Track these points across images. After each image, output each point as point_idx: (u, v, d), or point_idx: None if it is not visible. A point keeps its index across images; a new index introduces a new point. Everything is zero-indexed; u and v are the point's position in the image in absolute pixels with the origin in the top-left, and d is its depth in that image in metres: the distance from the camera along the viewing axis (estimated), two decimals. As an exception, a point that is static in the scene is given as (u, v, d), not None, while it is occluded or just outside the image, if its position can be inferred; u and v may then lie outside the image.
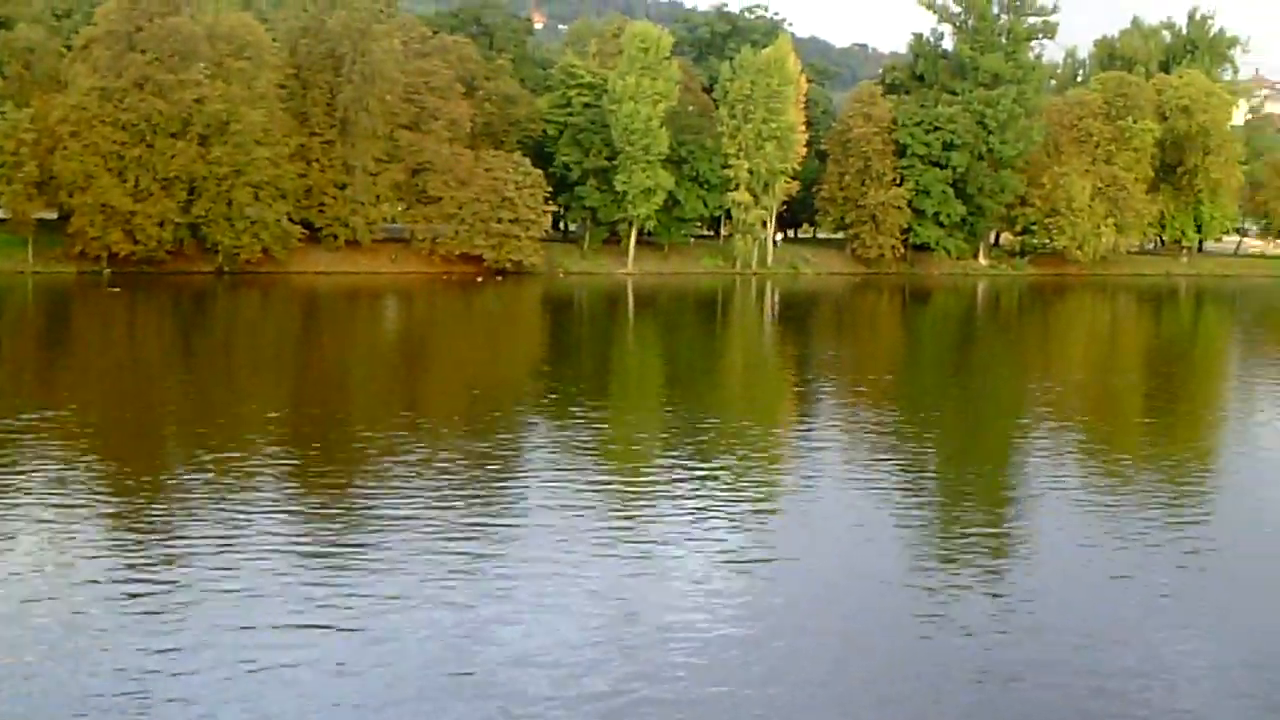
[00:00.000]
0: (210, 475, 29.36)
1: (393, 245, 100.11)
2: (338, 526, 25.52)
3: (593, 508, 27.60)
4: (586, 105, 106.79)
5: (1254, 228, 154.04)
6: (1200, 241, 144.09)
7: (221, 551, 23.35)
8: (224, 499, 27.08)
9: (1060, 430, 40.98)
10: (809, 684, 18.43)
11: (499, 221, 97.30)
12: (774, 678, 18.57)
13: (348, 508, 27.10)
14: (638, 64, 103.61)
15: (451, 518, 26.23)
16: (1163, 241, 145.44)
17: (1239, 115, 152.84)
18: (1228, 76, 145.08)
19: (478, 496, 28.50)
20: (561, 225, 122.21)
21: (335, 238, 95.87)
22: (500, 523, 26.20)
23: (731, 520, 27.12)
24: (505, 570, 22.98)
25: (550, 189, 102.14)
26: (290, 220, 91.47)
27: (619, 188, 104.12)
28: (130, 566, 22.57)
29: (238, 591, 21.22)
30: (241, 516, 25.72)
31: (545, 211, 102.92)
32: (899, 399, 46.44)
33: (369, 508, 27.08)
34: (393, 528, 25.35)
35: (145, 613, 20.29)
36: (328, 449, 33.59)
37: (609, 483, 30.72)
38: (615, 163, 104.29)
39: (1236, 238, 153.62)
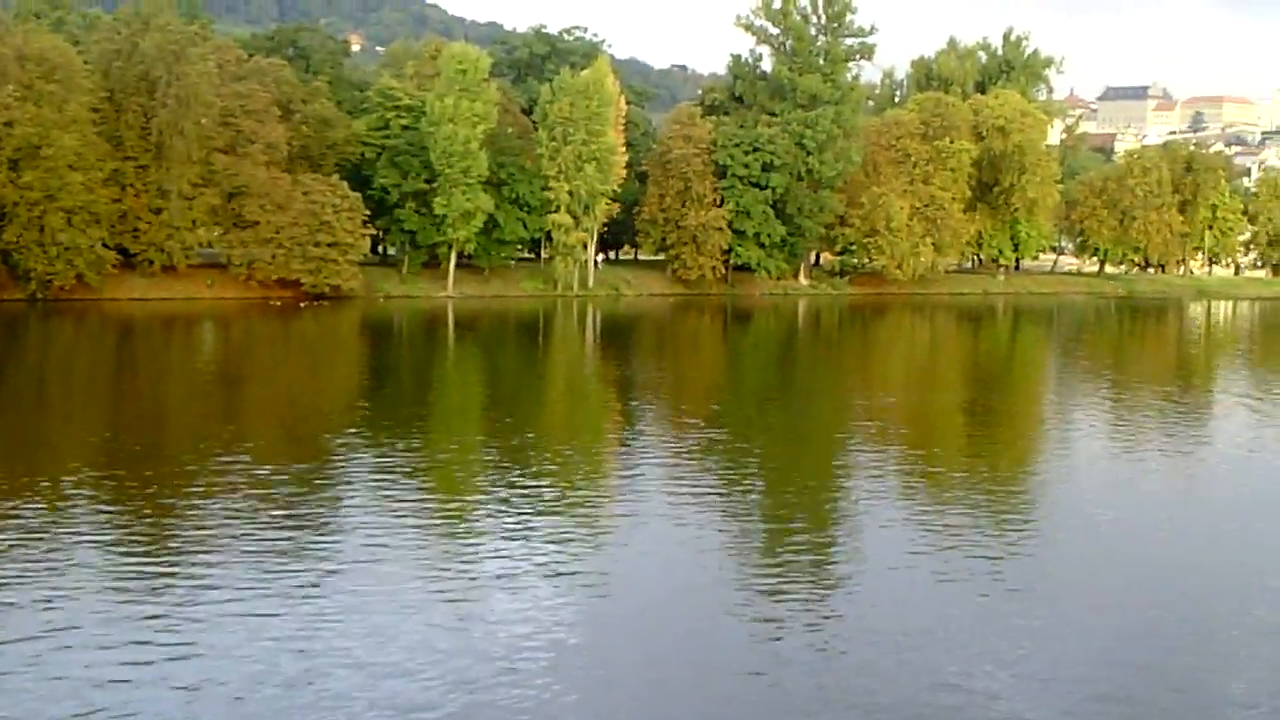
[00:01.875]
0: (23, 504, 29.67)
1: (209, 271, 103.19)
2: (159, 552, 26.24)
3: (416, 530, 28.82)
4: (405, 127, 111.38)
5: (1069, 246, 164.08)
6: (1017, 260, 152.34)
7: (40, 577, 24.09)
8: (41, 528, 27.56)
9: (882, 445, 43.26)
10: (628, 706, 19.38)
11: (317, 245, 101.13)
12: (597, 700, 19.50)
13: (168, 534, 27.80)
14: (456, 86, 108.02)
15: (276, 542, 27.01)
16: (980, 260, 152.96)
17: (1054, 135, 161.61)
18: (1043, 97, 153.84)
19: (301, 521, 29.13)
20: (380, 249, 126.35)
21: (151, 264, 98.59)
22: (325, 546, 27.03)
23: (555, 542, 27.96)
24: (332, 593, 23.69)
25: (369, 212, 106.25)
26: (105, 246, 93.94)
27: (438, 211, 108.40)
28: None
29: (54, 621, 21.83)
30: (60, 545, 26.42)
31: (363, 235, 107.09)
32: (721, 418, 48.25)
33: (190, 534, 27.80)
34: (215, 553, 26.16)
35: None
36: (144, 476, 33.82)
37: (433, 506, 31.98)
38: (434, 185, 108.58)
39: (1053, 256, 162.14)
